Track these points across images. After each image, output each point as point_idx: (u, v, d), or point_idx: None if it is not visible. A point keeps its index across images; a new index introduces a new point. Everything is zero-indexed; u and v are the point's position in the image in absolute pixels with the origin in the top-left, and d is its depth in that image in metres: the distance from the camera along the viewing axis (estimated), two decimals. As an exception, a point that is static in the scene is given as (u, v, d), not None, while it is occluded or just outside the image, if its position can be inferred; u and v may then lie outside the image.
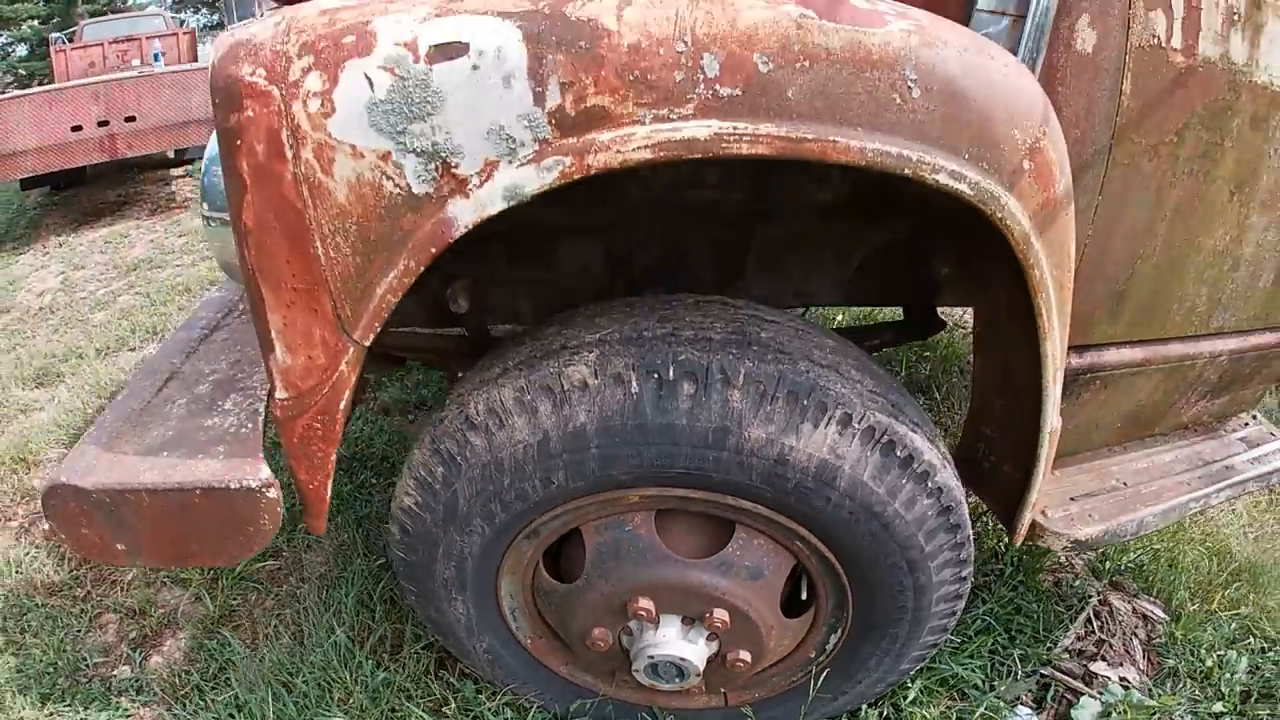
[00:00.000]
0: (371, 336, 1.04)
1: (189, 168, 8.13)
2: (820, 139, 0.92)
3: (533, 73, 0.88)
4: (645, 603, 1.31)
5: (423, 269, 0.99)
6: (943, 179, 0.98)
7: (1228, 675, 1.81)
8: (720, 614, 1.31)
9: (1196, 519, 2.35)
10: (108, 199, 7.69)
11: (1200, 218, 1.44)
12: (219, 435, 1.26)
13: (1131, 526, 1.58)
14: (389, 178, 0.94)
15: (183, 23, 15.89)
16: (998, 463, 1.46)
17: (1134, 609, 2.07)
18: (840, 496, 1.16)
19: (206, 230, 1.39)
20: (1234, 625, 1.97)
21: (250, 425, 1.28)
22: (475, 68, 0.89)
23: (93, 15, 14.99)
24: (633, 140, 0.90)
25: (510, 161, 0.92)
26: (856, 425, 1.15)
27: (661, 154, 0.90)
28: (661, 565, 1.29)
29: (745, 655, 1.37)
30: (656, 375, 1.12)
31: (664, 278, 1.63)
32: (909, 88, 0.95)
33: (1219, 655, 1.86)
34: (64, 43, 11.48)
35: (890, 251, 1.68)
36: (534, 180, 0.92)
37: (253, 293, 1.04)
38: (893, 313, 2.18)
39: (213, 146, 1.23)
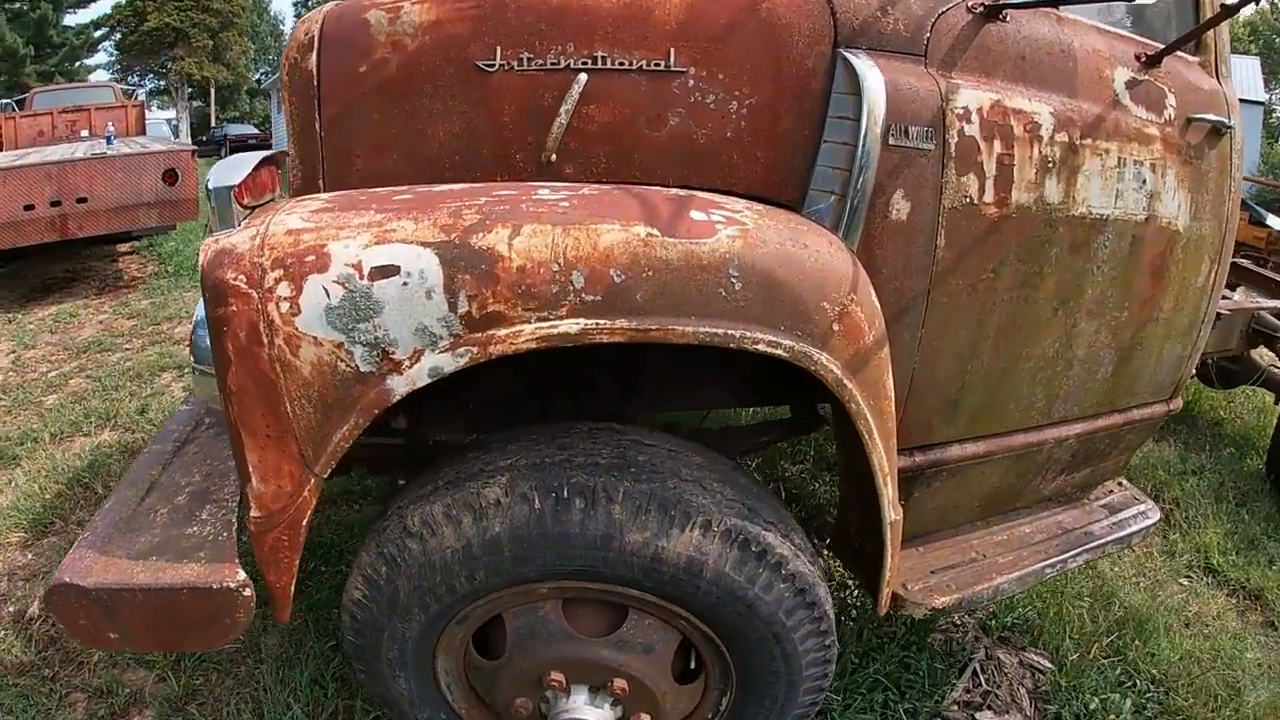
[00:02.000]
0: (329, 470, 1.33)
1: (135, 244, 8.28)
2: (662, 327, 1.26)
3: (448, 288, 1.21)
4: (557, 675, 1.59)
5: (368, 423, 1.29)
6: (762, 347, 1.33)
7: (1112, 717, 2.06)
8: (620, 683, 1.59)
9: (1085, 573, 2.64)
10: (55, 274, 7.79)
11: (1025, 332, 1.80)
12: (199, 543, 1.52)
13: (987, 594, 1.88)
14: (342, 360, 1.24)
15: (130, 94, 16.00)
16: (862, 544, 1.77)
17: (1021, 660, 2.33)
18: (708, 585, 1.47)
19: (195, 379, 1.68)
20: (1118, 670, 2.21)
21: (225, 534, 1.55)
22: (405, 284, 1.21)
23: (40, 78, 15.03)
24: (522, 335, 1.23)
25: (433, 350, 1.24)
26: (716, 528, 1.46)
27: (544, 344, 1.23)
28: (569, 643, 1.57)
29: (646, 718, 1.65)
30: (554, 495, 1.43)
31: (573, 397, 1.95)
32: (732, 283, 1.29)
33: (1103, 699, 2.11)
34: (13, 110, 11.57)
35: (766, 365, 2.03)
36: (451, 363, 1.24)
37: (234, 437, 1.32)
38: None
39: (199, 312, 1.53)
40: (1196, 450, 3.87)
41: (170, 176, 6.82)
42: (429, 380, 1.26)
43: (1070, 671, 2.21)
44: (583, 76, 1.49)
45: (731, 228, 1.32)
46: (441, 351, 1.24)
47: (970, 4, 1.63)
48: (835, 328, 1.39)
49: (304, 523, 1.38)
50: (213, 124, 38.78)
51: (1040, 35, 1.71)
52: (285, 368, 1.25)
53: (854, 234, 1.50)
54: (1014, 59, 1.67)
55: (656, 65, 1.51)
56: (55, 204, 6.39)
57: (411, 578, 1.49)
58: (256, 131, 34.79)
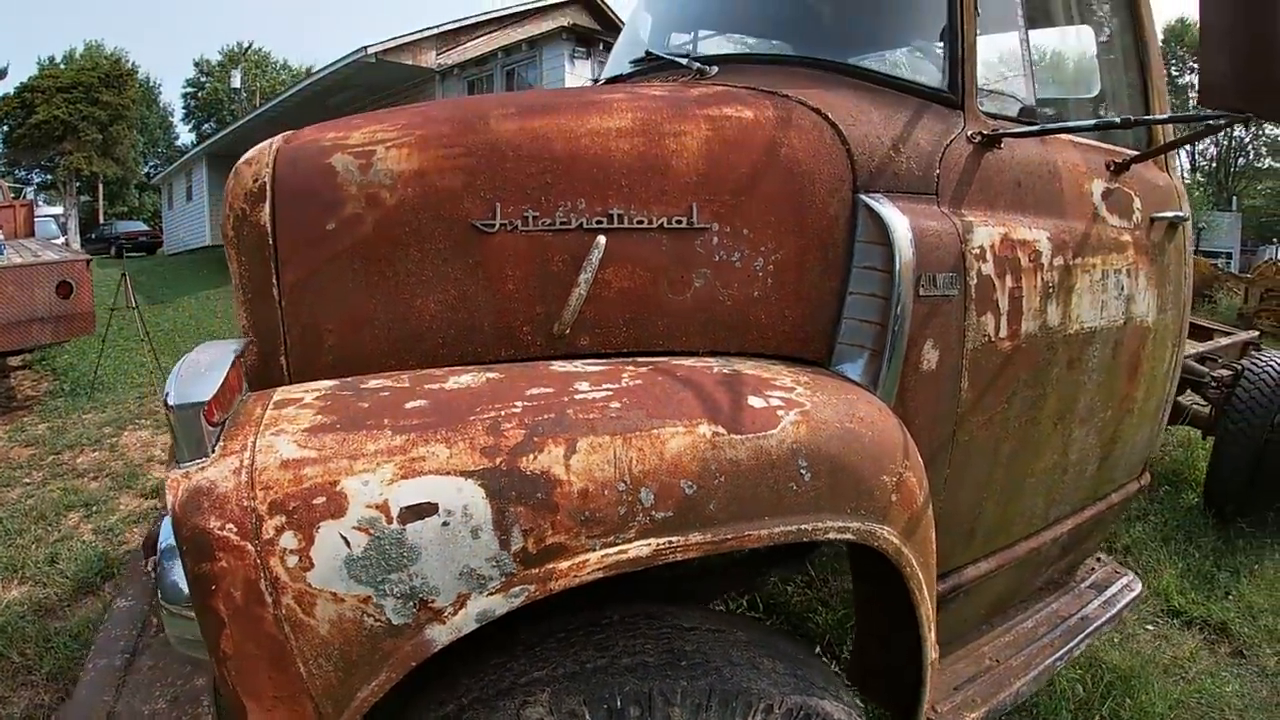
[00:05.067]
0: None
1: (26, 357, 7.36)
2: (737, 535, 1.14)
3: (498, 524, 1.03)
4: None
5: (401, 676, 1.08)
6: (832, 535, 1.23)
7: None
8: None
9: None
10: (-61, 395, 6.75)
11: (1031, 451, 1.79)
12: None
13: (1010, 700, 1.87)
14: (369, 615, 1.04)
15: (19, 193, 14.35)
16: (892, 679, 1.70)
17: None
18: (776, 766, 1.35)
19: (165, 618, 1.39)
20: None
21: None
22: (445, 524, 1.02)
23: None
24: (587, 565, 1.06)
25: (481, 592, 1.05)
26: (778, 711, 1.34)
27: (613, 572, 1.08)
28: None
29: None
30: (606, 706, 1.26)
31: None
32: (802, 475, 1.19)
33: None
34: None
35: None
36: (502, 605, 1.06)
37: (234, 701, 1.08)
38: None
39: (166, 536, 1.26)
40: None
41: (64, 289, 6.15)
42: (476, 625, 1.07)
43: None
44: (601, 239, 1.34)
45: (792, 412, 1.21)
46: (491, 594, 1.06)
47: (970, 134, 1.61)
48: (893, 498, 1.31)
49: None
50: (101, 220, 36.93)
51: (1030, 158, 1.72)
52: (297, 627, 1.03)
53: (891, 391, 1.43)
54: (1012, 186, 1.67)
55: (678, 222, 1.38)
56: (-54, 319, 5.62)
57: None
58: (147, 228, 32.79)
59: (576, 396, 1.14)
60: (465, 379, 1.22)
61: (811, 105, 1.49)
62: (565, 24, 13.51)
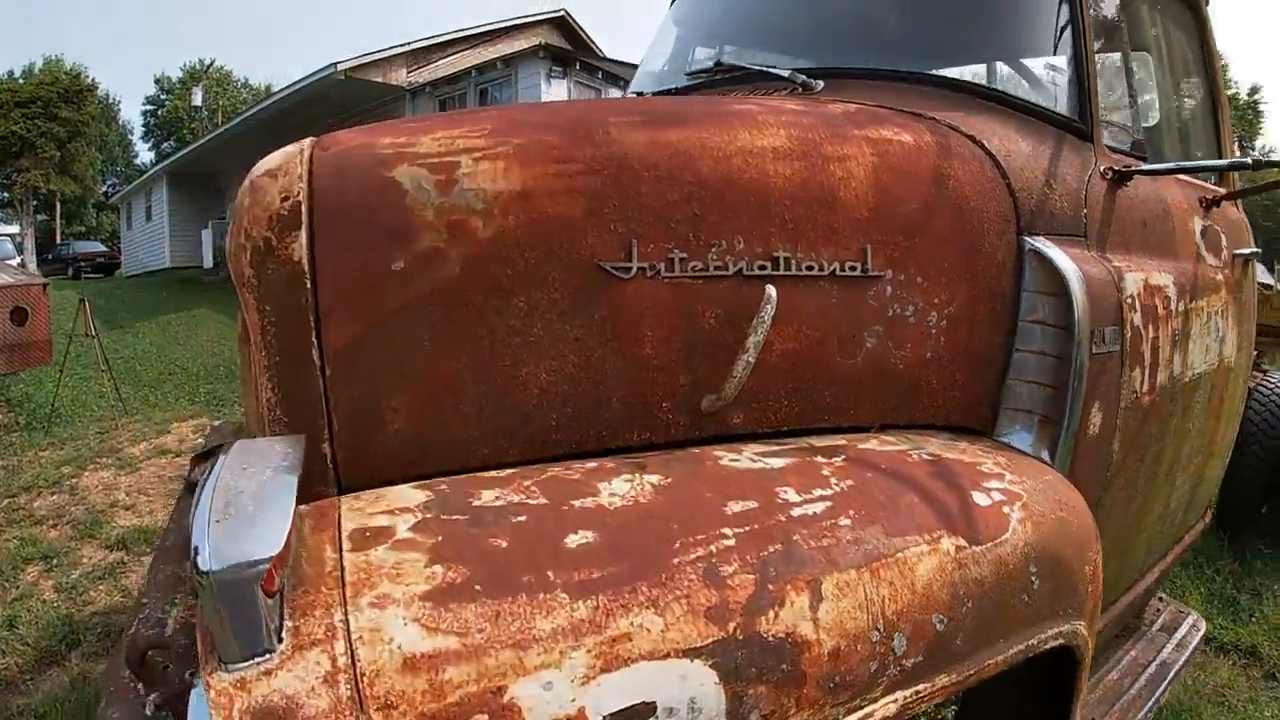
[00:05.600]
0: None
1: None
2: (978, 668, 0.92)
3: (732, 713, 0.77)
4: None
5: None
6: (1049, 644, 1.03)
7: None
8: None
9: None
10: None
11: (1147, 505, 1.65)
12: None
13: None
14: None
15: None
16: None
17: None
18: None
19: None
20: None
21: None
22: (665, 724, 0.75)
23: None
24: (828, 737, 0.82)
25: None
26: None
27: (855, 741, 0.83)
28: None
29: None
30: None
31: None
32: (1032, 583, 0.99)
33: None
34: None
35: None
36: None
37: None
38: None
39: None
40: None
41: (19, 315, 5.57)
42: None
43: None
44: (771, 290, 1.06)
45: (1016, 508, 1.01)
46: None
47: (1103, 170, 1.46)
48: (1089, 589, 1.12)
49: None
50: (58, 239, 35.10)
51: (1147, 196, 1.59)
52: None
53: (1065, 462, 1.25)
54: (1138, 226, 1.53)
55: (851, 269, 1.14)
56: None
57: None
58: (105, 249, 31.03)
59: (793, 513, 0.89)
60: (621, 487, 0.93)
61: (965, 132, 1.29)
62: (539, 43, 13.18)
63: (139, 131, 51.47)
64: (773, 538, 0.85)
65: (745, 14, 2.14)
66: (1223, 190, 1.87)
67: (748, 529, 0.86)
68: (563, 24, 16.72)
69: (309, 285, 0.96)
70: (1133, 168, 1.48)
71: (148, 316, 13.77)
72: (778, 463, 1.00)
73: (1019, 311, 1.26)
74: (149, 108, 49.58)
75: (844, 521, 0.89)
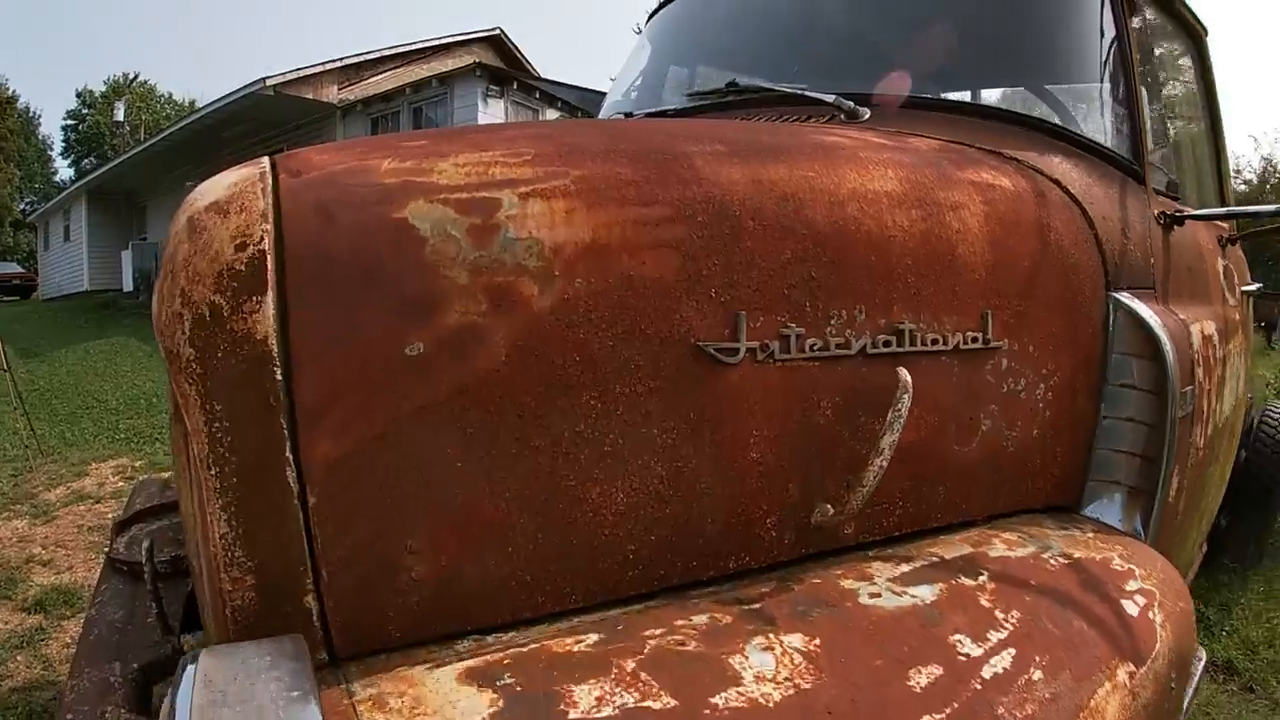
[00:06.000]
0: None
1: None
2: None
3: None
4: None
5: None
6: None
7: None
8: None
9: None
10: None
11: (1182, 551, 1.58)
12: None
13: None
14: None
15: None
16: None
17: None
18: None
19: None
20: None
21: None
22: None
23: None
24: None
25: None
26: None
27: None
28: None
29: None
30: None
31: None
32: (1171, 690, 0.90)
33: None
34: None
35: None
36: None
37: None
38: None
39: None
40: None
41: None
42: None
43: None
44: (906, 375, 0.89)
45: (1157, 611, 0.92)
46: None
47: (1157, 214, 1.40)
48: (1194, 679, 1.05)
49: None
50: None
51: (1187, 240, 1.54)
52: None
53: (1155, 536, 1.16)
54: (1186, 272, 1.48)
55: (973, 340, 1.00)
56: None
57: None
58: (21, 270, 28.60)
59: (983, 674, 0.74)
60: (763, 661, 0.71)
61: (1049, 174, 1.19)
62: (474, 61, 12.69)
63: (59, 147, 48.23)
64: (979, 717, 0.70)
65: (747, 31, 2.00)
66: (1235, 231, 1.86)
67: (949, 712, 0.69)
68: (498, 43, 16.30)
69: (278, 377, 0.69)
70: (1184, 213, 1.42)
71: (65, 344, 12.70)
72: (926, 594, 0.85)
73: (1106, 376, 1.18)
74: (70, 122, 46.53)
75: (1036, 675, 0.76)
